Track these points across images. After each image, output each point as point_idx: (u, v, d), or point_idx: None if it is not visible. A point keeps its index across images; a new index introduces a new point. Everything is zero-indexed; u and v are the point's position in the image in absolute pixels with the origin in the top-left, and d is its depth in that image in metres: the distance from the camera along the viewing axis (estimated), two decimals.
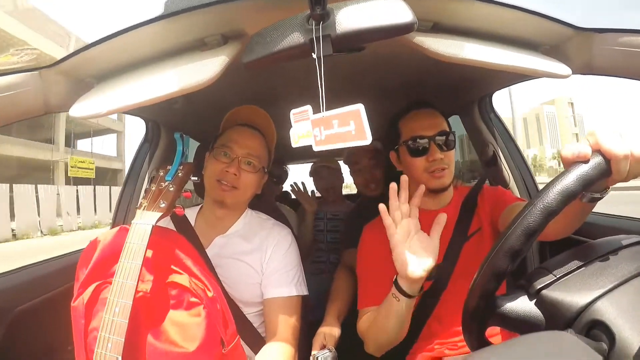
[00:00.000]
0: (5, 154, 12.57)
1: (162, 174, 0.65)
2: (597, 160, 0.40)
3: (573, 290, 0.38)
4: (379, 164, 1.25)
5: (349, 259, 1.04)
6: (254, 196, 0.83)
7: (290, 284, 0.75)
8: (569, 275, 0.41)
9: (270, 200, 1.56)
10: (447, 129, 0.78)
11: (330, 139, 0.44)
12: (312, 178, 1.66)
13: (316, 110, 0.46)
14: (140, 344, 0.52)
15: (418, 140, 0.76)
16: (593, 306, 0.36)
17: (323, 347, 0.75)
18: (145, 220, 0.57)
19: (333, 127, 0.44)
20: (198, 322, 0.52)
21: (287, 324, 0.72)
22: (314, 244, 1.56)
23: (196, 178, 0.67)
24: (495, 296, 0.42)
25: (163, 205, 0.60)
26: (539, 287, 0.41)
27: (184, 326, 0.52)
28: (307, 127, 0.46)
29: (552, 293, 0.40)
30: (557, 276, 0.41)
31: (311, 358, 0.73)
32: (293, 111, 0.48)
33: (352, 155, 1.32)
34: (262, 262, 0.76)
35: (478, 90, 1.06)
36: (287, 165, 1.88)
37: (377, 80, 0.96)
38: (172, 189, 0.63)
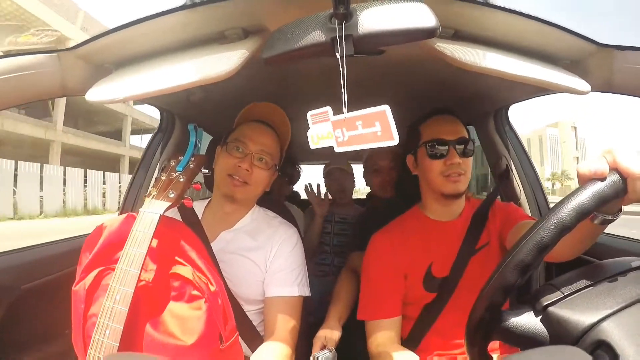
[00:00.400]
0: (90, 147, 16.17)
1: (173, 164, 0.65)
2: (613, 178, 0.39)
3: (580, 309, 0.38)
4: (397, 167, 1.26)
5: (355, 261, 1.04)
6: (263, 193, 0.82)
7: (293, 284, 0.75)
8: (577, 294, 0.40)
9: (280, 199, 1.56)
10: (467, 137, 0.78)
11: (353, 140, 0.44)
12: (324, 180, 1.67)
13: (336, 111, 0.45)
14: (138, 333, 0.52)
15: (438, 143, 0.76)
16: (599, 326, 0.36)
17: (323, 347, 0.75)
18: (153, 209, 0.57)
19: (357, 129, 0.43)
20: (198, 315, 0.52)
21: (286, 324, 0.71)
22: (320, 246, 1.55)
23: (207, 171, 0.67)
24: (501, 310, 0.42)
25: (172, 195, 0.60)
26: (545, 303, 0.40)
27: (184, 319, 0.52)
28: (328, 129, 0.45)
29: (559, 310, 0.39)
30: (565, 294, 0.40)
31: (311, 358, 0.72)
32: (310, 112, 0.47)
33: (373, 155, 1.33)
34: (266, 260, 0.76)
35: (494, 102, 1.05)
36: (300, 166, 1.88)
37: (395, 85, 0.96)
38: (182, 179, 0.62)
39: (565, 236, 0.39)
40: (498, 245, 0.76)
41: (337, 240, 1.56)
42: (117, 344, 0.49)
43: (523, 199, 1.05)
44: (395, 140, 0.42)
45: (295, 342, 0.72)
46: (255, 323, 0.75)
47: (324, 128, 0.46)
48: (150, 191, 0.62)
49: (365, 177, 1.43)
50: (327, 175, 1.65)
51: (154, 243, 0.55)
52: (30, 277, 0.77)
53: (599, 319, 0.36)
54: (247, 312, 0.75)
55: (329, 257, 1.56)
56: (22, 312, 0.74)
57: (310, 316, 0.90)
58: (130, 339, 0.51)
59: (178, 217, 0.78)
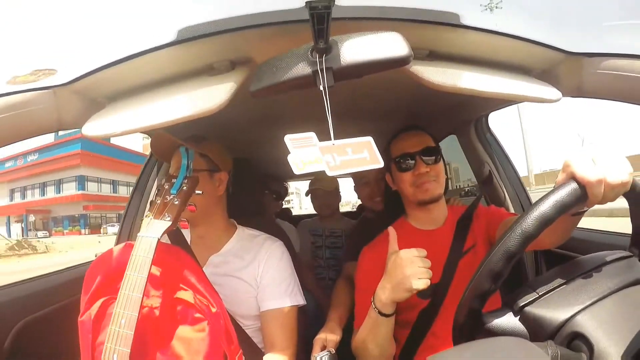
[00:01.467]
0: None
1: (167, 187, 0.66)
2: (572, 186, 0.43)
3: (554, 306, 0.41)
4: (383, 178, 1.30)
5: (350, 270, 1.07)
6: (220, 201, 0.83)
7: (284, 295, 0.77)
8: (551, 293, 0.43)
9: (270, 217, 1.59)
10: (433, 145, 0.83)
11: (346, 164, 0.47)
12: (310, 198, 1.73)
13: (321, 136, 0.48)
14: (146, 358, 0.54)
15: (405, 156, 0.82)
16: (573, 320, 0.39)
17: (323, 348, 0.77)
18: (150, 233, 0.59)
19: (347, 154, 0.47)
20: (202, 337, 0.54)
21: (283, 334, 0.73)
22: (313, 260, 1.60)
23: (200, 192, 0.68)
24: (482, 313, 0.44)
25: (168, 218, 0.61)
26: (522, 304, 0.43)
27: (189, 341, 0.54)
28: (315, 154, 0.48)
29: (535, 309, 0.42)
30: (540, 294, 0.44)
31: (311, 359, 0.74)
32: (290, 137, 0.48)
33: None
34: (255, 277, 0.79)
35: (474, 112, 1.09)
36: (287, 183, 1.94)
37: (377, 103, 1.00)
38: (176, 202, 0.64)
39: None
40: (484, 247, 0.80)
41: (329, 254, 1.61)
42: None
43: (508, 202, 1.09)
44: (381, 164, 0.46)
45: (296, 350, 0.74)
46: (255, 340, 0.78)
47: (310, 153, 0.48)
48: (147, 214, 0.64)
49: (356, 190, 1.47)
50: (310, 194, 1.72)
51: (155, 270, 0.58)
52: (32, 308, 0.78)
53: (573, 313, 0.39)
54: (246, 329, 0.77)
55: (323, 271, 1.60)
56: (26, 343, 0.75)
57: (306, 330, 0.92)
58: None
59: (167, 241, 0.79)
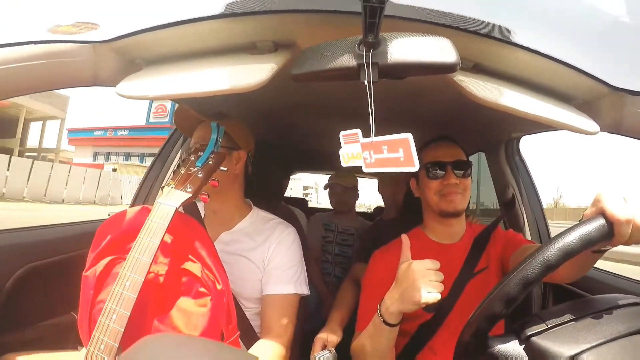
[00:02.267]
0: None
1: (193, 158, 0.66)
2: (600, 222, 0.42)
3: (561, 341, 0.41)
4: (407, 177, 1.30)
5: (357, 272, 1.07)
6: (237, 179, 0.83)
7: (289, 282, 0.77)
8: (561, 327, 0.43)
9: (281, 200, 1.59)
10: (465, 159, 0.83)
11: (380, 162, 0.47)
12: (327, 191, 1.73)
13: (365, 133, 0.49)
14: (143, 323, 0.54)
15: (436, 164, 0.82)
16: (578, 358, 0.38)
17: (324, 347, 0.76)
18: (169, 201, 0.59)
19: (383, 152, 0.47)
20: (203, 312, 0.54)
21: (282, 321, 0.73)
22: (322, 255, 1.60)
23: (225, 169, 0.68)
24: (488, 336, 0.44)
25: (190, 189, 0.61)
26: (529, 333, 0.43)
27: (189, 314, 0.54)
28: (357, 149, 0.48)
29: (541, 341, 0.42)
30: (549, 326, 0.43)
31: (311, 358, 0.74)
32: (342, 133, 0.50)
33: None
34: (263, 259, 0.78)
35: (506, 132, 1.07)
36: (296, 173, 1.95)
37: (414, 110, 0.99)
38: (200, 175, 0.64)
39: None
40: (497, 270, 0.79)
41: (338, 250, 1.60)
42: (122, 330, 0.51)
43: (526, 228, 1.07)
44: (415, 167, 0.45)
45: (291, 339, 0.73)
46: (253, 323, 0.77)
47: (354, 149, 0.49)
48: (169, 182, 0.64)
49: (380, 190, 1.47)
50: (328, 188, 1.71)
51: (168, 238, 0.58)
52: (36, 256, 0.79)
53: (578, 351, 0.39)
54: (246, 312, 0.77)
55: (330, 267, 1.60)
56: (27, 289, 0.76)
57: (307, 323, 0.92)
58: (136, 327, 0.53)
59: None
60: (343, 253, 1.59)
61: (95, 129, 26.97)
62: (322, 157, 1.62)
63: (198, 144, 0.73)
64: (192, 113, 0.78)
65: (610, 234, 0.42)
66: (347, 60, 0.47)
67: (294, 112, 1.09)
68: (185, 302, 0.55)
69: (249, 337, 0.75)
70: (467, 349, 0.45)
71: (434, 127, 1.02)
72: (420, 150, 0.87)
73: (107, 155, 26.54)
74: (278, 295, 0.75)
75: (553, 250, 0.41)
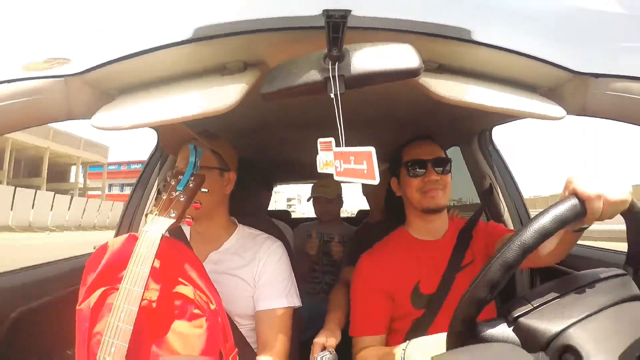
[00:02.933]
0: None
1: (173, 183, 0.66)
2: (572, 202, 0.44)
3: (547, 319, 0.42)
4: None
5: (348, 275, 1.08)
6: (225, 199, 0.83)
7: (281, 296, 0.78)
8: (546, 305, 0.44)
9: (264, 215, 1.58)
10: (444, 156, 0.85)
11: (347, 172, 0.48)
12: (311, 202, 1.75)
13: (338, 142, 0.50)
14: (142, 351, 0.54)
15: (416, 162, 0.84)
16: (565, 333, 0.40)
17: (323, 348, 0.77)
18: (155, 228, 0.59)
19: (350, 163, 0.48)
20: (199, 333, 0.55)
21: (278, 335, 0.74)
22: (309, 264, 1.61)
23: (206, 190, 0.68)
24: (477, 322, 0.45)
25: (173, 214, 0.62)
26: (516, 315, 0.44)
27: (186, 336, 0.54)
28: (330, 157, 0.50)
29: (528, 320, 0.43)
30: (534, 305, 0.45)
31: (312, 358, 0.74)
32: (320, 140, 0.52)
33: None
34: (254, 276, 0.79)
35: (478, 125, 1.11)
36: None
37: (383, 113, 1.01)
38: (182, 199, 0.64)
39: (544, 244, 0.43)
40: (482, 263, 0.81)
41: (326, 260, 1.61)
42: None
43: (507, 216, 1.10)
44: (376, 181, 0.46)
45: (288, 352, 0.74)
46: (249, 340, 0.78)
47: (328, 156, 0.51)
48: (152, 209, 0.64)
49: (364, 193, 1.48)
50: (313, 200, 1.73)
51: (157, 263, 0.58)
52: (27, 298, 0.78)
53: (565, 326, 0.40)
54: (241, 329, 0.77)
55: (319, 275, 1.61)
56: (20, 334, 0.74)
57: (301, 334, 0.92)
58: (134, 357, 0.53)
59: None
60: (331, 261, 1.60)
61: (110, 164, 29.47)
62: (302, 167, 1.64)
63: (178, 168, 0.73)
64: (182, 129, 0.76)
65: (583, 211, 0.44)
66: (313, 75, 0.49)
67: (271, 127, 1.10)
68: (180, 325, 0.55)
69: (246, 353, 0.75)
70: (458, 337, 0.46)
71: (409, 127, 1.05)
72: (399, 150, 0.89)
73: (122, 186, 29.30)
74: (271, 310, 0.76)
75: (529, 233, 0.43)
